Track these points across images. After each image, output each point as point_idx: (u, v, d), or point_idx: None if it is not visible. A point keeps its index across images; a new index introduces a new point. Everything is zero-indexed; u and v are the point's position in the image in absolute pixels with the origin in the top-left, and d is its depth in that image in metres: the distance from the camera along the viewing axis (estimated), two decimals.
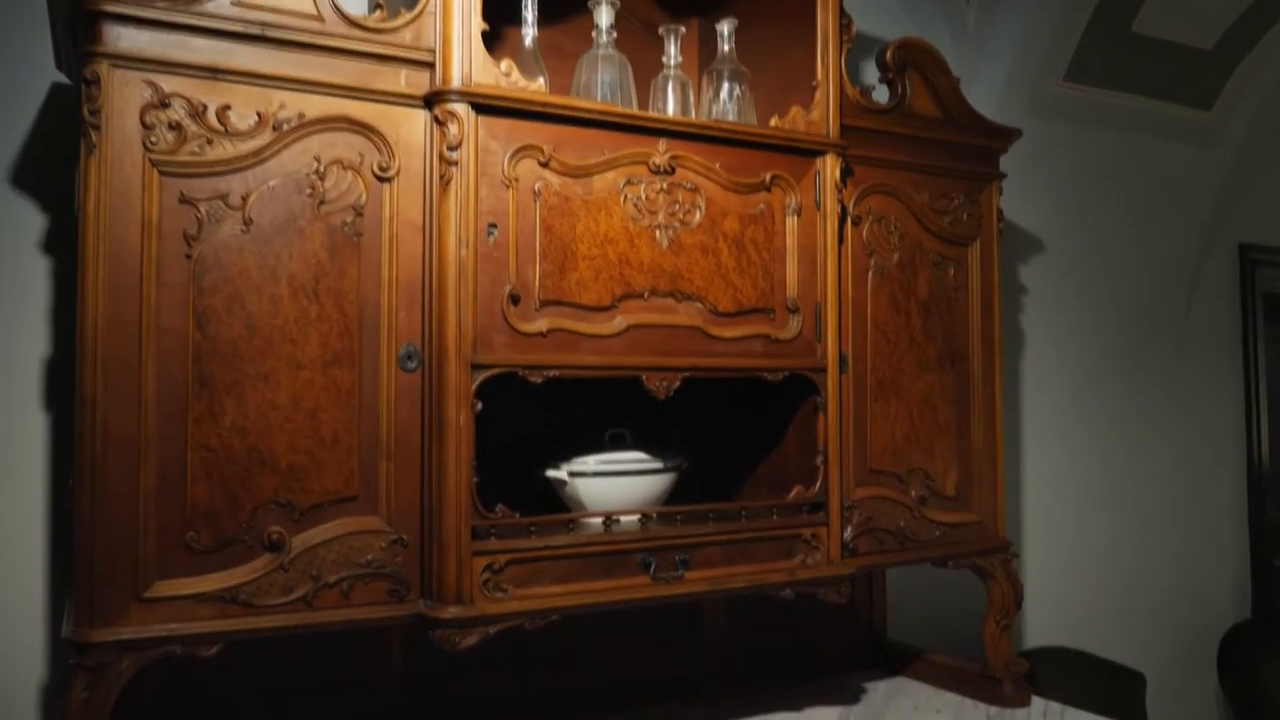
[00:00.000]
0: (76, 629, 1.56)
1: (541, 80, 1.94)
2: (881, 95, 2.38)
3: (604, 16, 2.10)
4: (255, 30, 1.68)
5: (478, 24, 1.81)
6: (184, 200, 1.64)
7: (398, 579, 1.76)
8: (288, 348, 1.70)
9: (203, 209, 1.65)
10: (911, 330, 2.34)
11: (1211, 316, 4.01)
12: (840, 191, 2.15)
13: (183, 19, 1.63)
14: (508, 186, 1.82)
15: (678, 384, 1.96)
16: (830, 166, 2.13)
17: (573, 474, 2.05)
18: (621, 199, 1.93)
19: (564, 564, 1.84)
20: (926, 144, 2.38)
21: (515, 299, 1.82)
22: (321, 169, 1.73)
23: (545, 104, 1.86)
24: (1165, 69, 3.40)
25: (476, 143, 1.79)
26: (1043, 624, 3.43)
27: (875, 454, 2.28)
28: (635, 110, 2.05)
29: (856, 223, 2.25)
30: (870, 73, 2.53)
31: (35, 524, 2.08)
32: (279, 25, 1.70)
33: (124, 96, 1.60)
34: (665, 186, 1.97)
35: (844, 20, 2.20)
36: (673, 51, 2.20)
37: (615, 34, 2.11)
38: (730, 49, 2.23)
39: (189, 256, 1.64)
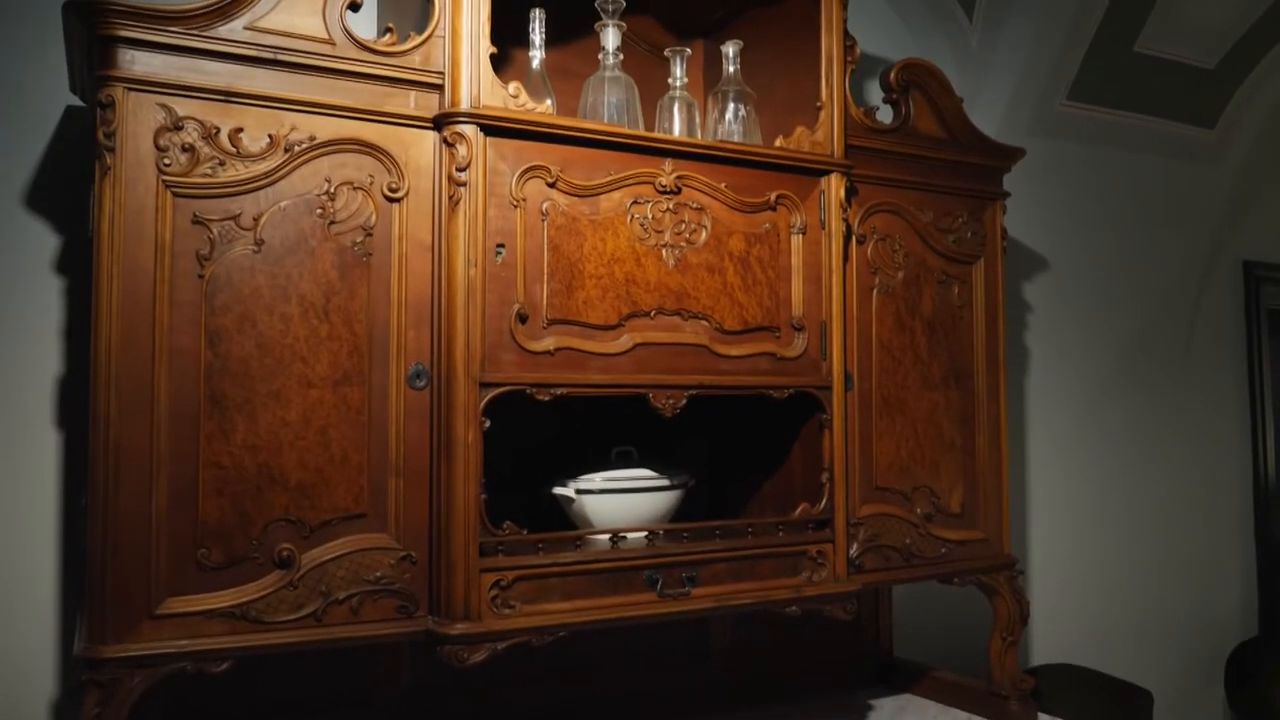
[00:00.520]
0: (88, 646, 1.58)
1: (549, 102, 1.96)
2: (885, 115, 2.40)
3: (610, 39, 2.13)
4: (268, 54, 1.71)
5: (486, 47, 1.83)
6: (196, 221, 1.66)
7: (406, 595, 1.77)
8: (298, 366, 1.72)
9: (215, 229, 1.67)
10: (916, 348, 2.36)
11: (1216, 334, 4.01)
12: (845, 211, 2.17)
13: (197, 43, 1.66)
14: (515, 207, 1.84)
15: (684, 402, 1.97)
16: (835, 186, 2.15)
17: (580, 491, 2.07)
18: (628, 218, 1.95)
19: (571, 580, 1.85)
20: (930, 163, 2.40)
21: (523, 318, 1.83)
22: (332, 190, 1.75)
23: (552, 125, 1.88)
24: (1168, 88, 3.42)
25: (485, 163, 1.81)
26: (1049, 641, 3.43)
27: (881, 471, 2.29)
28: (641, 131, 2.07)
29: (861, 241, 2.27)
30: (874, 93, 2.56)
31: (47, 541, 2.09)
32: (291, 49, 1.73)
33: (138, 119, 1.63)
34: (671, 206, 1.99)
35: (848, 42, 2.23)
36: (678, 73, 2.22)
37: (621, 56, 2.14)
38: (735, 70, 2.25)
39: (201, 276, 1.66)
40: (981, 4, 3.09)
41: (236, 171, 1.69)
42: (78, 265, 2.09)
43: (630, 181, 1.95)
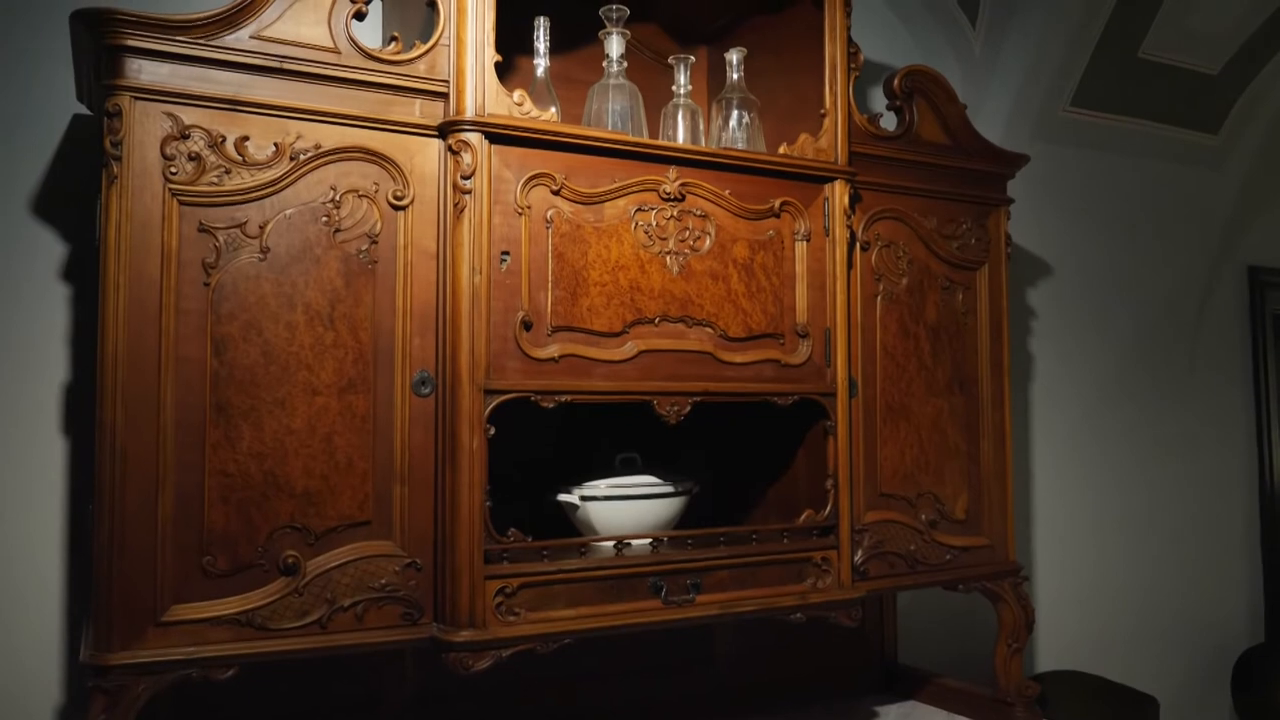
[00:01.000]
0: (94, 653, 1.58)
1: (553, 109, 1.97)
2: (889, 122, 2.40)
3: (615, 46, 2.13)
4: (274, 63, 1.72)
5: (491, 55, 1.84)
6: (203, 229, 1.67)
7: (411, 602, 1.77)
8: (304, 374, 1.72)
9: (221, 238, 1.68)
10: (920, 354, 2.36)
11: (1221, 339, 4.00)
12: (849, 217, 2.18)
13: (203, 52, 1.67)
14: (520, 214, 1.85)
15: (688, 409, 1.97)
16: (839, 193, 2.15)
17: (584, 498, 2.07)
18: (632, 226, 1.95)
19: (576, 588, 1.86)
20: (934, 170, 2.40)
21: (528, 325, 1.84)
22: (337, 198, 1.76)
23: (557, 133, 1.88)
24: (1172, 94, 3.42)
25: (490, 171, 1.82)
26: (1054, 647, 3.42)
27: (885, 478, 2.29)
28: (646, 138, 2.07)
29: (865, 248, 2.27)
30: (878, 100, 2.56)
31: (53, 548, 2.10)
32: (297, 58, 1.74)
33: (145, 128, 1.64)
34: (676, 213, 1.99)
35: (851, 49, 2.23)
36: (682, 80, 2.22)
37: (626, 63, 2.14)
38: (739, 78, 2.26)
39: (207, 285, 1.67)
40: (985, 10, 3.09)
41: (242, 180, 1.70)
42: (84, 273, 2.11)
43: (634, 189, 1.96)
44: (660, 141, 2.12)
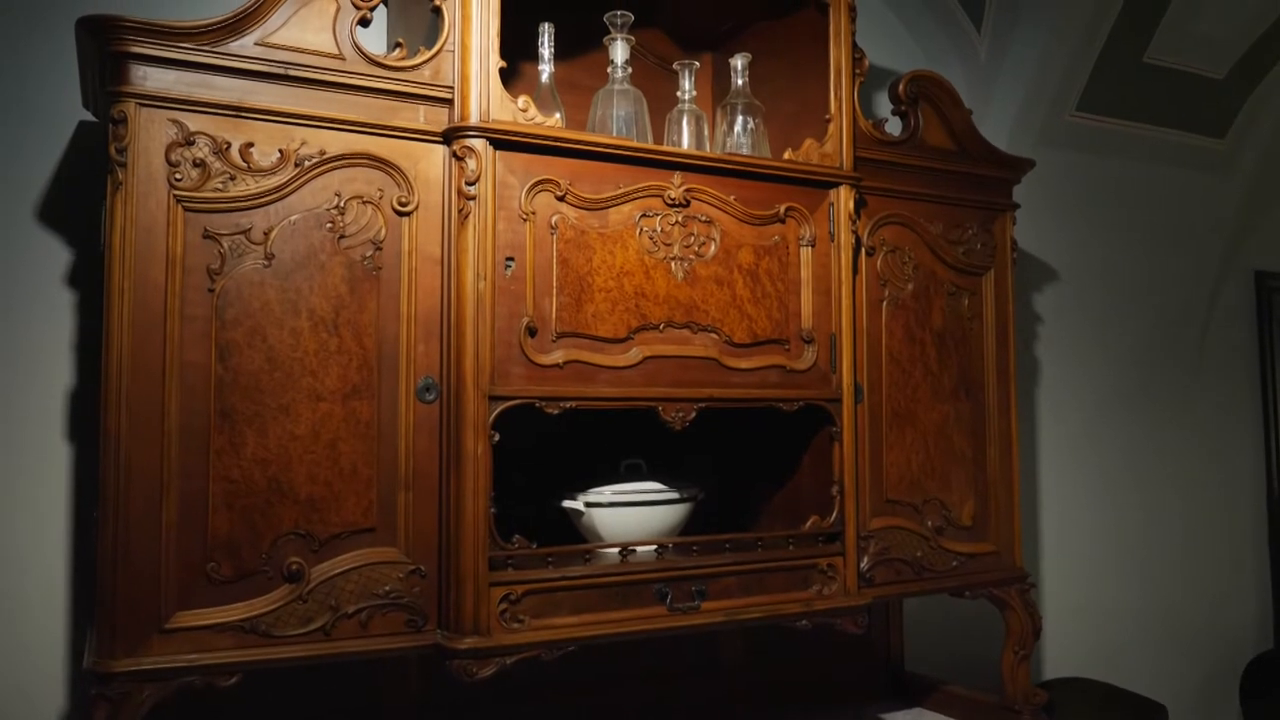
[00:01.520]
0: (98, 660, 1.58)
1: (558, 115, 1.97)
2: (894, 127, 2.40)
3: (619, 52, 2.13)
4: (278, 69, 1.72)
5: (495, 61, 1.84)
6: (207, 235, 1.67)
7: (415, 609, 1.77)
8: (308, 380, 1.72)
9: (225, 244, 1.68)
10: (926, 360, 2.35)
11: (1228, 344, 3.99)
12: (854, 223, 2.17)
13: (208, 59, 1.67)
14: (525, 220, 1.84)
15: (693, 415, 1.97)
16: (844, 198, 2.15)
17: (589, 504, 2.06)
18: (637, 232, 1.95)
19: (581, 594, 1.85)
20: (939, 175, 2.39)
21: (532, 331, 1.83)
22: (342, 204, 1.76)
23: (562, 139, 1.88)
24: (1178, 98, 3.41)
25: (494, 177, 1.82)
26: (1062, 654, 3.40)
27: (891, 484, 2.28)
28: (650, 144, 2.07)
29: (870, 253, 2.27)
30: (883, 105, 2.56)
31: (57, 555, 2.10)
32: (301, 64, 1.74)
33: (150, 135, 1.64)
34: (680, 219, 1.99)
35: (856, 54, 2.23)
36: (687, 86, 2.22)
37: (630, 69, 2.14)
38: (744, 83, 2.25)
39: (212, 290, 1.67)
40: (990, 15, 3.08)
41: (247, 186, 1.70)
42: (89, 279, 2.11)
43: (639, 194, 1.96)
44: (665, 147, 2.11)
